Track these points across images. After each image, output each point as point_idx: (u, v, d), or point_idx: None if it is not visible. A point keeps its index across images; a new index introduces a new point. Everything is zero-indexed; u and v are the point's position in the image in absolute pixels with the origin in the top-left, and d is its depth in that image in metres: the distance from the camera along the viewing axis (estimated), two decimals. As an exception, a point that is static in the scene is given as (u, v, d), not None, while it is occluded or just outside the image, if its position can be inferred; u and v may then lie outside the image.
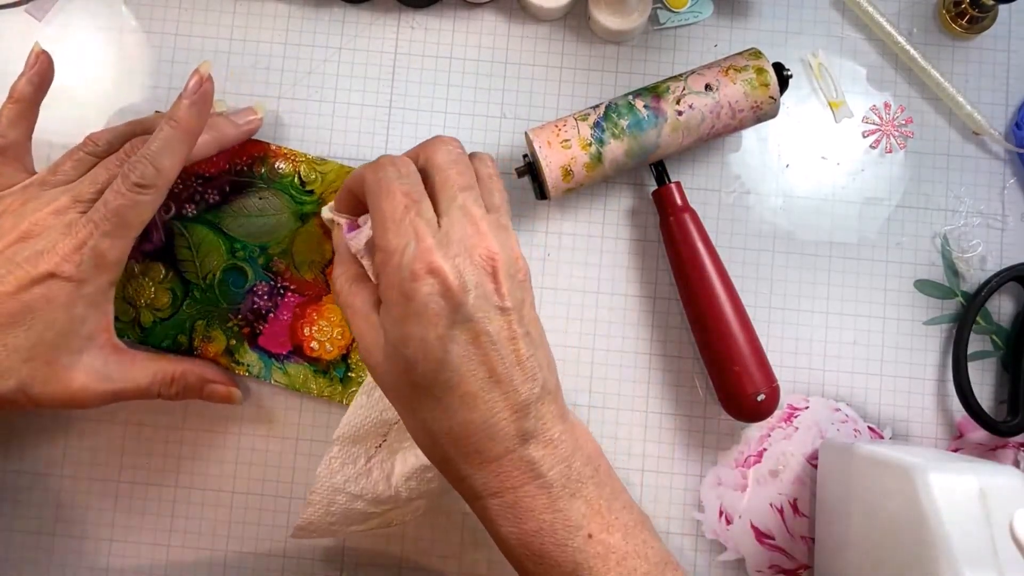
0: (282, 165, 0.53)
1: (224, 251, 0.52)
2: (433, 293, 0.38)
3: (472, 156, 0.44)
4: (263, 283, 0.52)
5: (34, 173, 0.48)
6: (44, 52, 0.48)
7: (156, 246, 0.52)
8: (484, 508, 0.40)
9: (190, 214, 0.52)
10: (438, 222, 0.40)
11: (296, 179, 0.53)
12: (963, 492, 0.41)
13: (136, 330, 0.52)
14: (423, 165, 0.42)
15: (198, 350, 0.52)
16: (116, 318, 0.51)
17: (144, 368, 0.48)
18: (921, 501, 0.41)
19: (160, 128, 0.45)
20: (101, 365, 0.46)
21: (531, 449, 0.39)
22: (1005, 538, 0.40)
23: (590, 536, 0.39)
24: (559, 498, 0.39)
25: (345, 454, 0.47)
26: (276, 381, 0.52)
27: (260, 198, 0.53)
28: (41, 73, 0.48)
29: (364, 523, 0.48)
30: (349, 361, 0.52)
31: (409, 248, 0.38)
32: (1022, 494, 0.41)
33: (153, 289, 0.52)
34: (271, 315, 0.52)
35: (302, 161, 0.53)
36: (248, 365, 0.51)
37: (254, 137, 0.53)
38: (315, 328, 0.52)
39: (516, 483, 0.39)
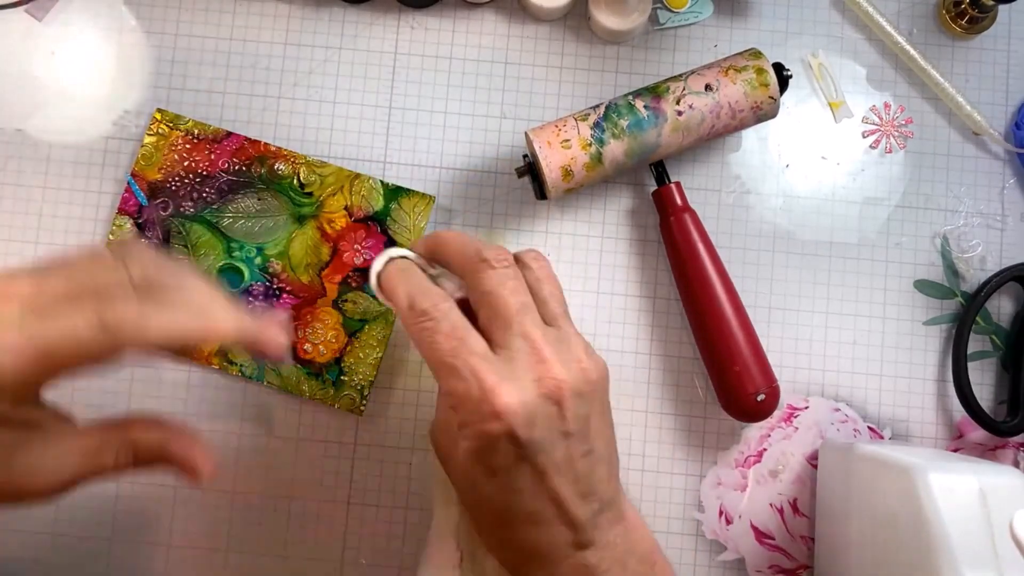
0: (281, 166, 0.53)
1: (221, 251, 0.52)
2: (500, 435, 0.37)
3: (518, 260, 0.41)
4: (259, 284, 0.52)
5: None
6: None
7: (153, 244, 0.52)
8: None
9: (188, 212, 0.52)
10: (495, 351, 0.38)
11: (295, 181, 0.53)
12: (963, 492, 0.41)
13: None
14: (471, 291, 0.40)
15: (191, 348, 0.52)
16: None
17: (58, 455, 0.37)
18: (921, 501, 0.41)
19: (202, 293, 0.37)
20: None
21: (588, 555, 0.39)
22: (1005, 538, 0.40)
23: None
24: None
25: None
26: (269, 383, 0.52)
27: (259, 199, 0.53)
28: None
29: None
30: (342, 364, 0.52)
31: (472, 393, 0.37)
32: (1022, 494, 0.41)
33: None
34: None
35: (301, 163, 0.53)
36: (241, 366, 0.51)
37: (253, 137, 0.53)
38: (309, 331, 0.52)
39: None
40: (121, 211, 0.52)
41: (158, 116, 0.53)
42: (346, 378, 0.52)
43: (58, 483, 0.38)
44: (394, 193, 0.53)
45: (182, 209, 0.52)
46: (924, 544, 0.41)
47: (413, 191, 0.53)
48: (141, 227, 0.52)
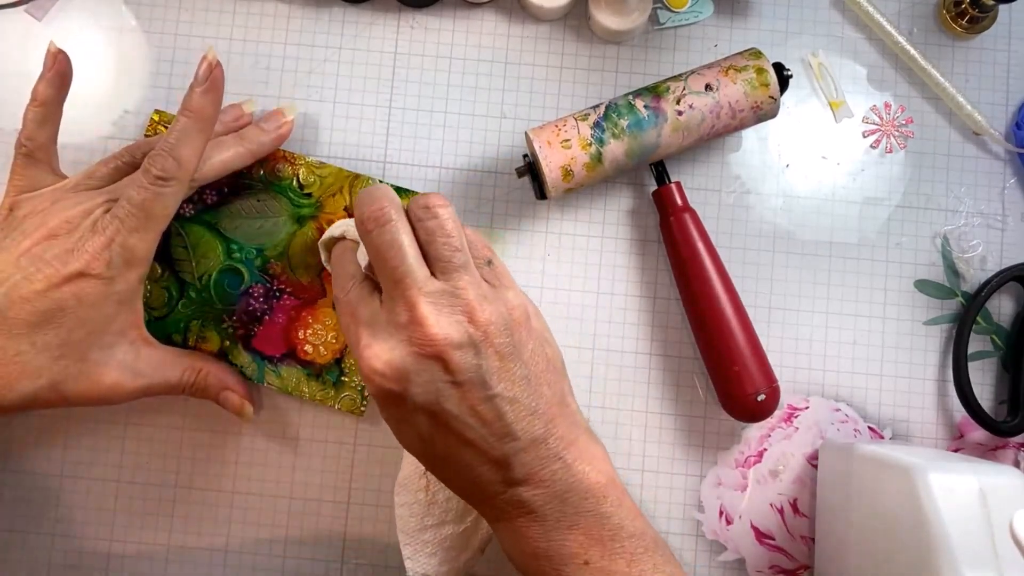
0: (281, 168, 0.53)
1: (221, 252, 0.52)
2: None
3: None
4: (259, 285, 0.52)
5: (60, 174, 0.49)
6: (61, 52, 0.48)
7: None
8: (492, 528, 0.43)
9: (188, 214, 0.52)
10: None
11: (295, 182, 0.53)
12: (963, 492, 0.41)
13: None
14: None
15: (192, 349, 0.51)
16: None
17: (173, 364, 0.48)
18: (921, 501, 0.41)
19: (176, 120, 0.45)
20: (132, 360, 0.47)
21: (521, 491, 0.41)
22: (1005, 538, 0.40)
23: (587, 563, 0.40)
24: (553, 529, 0.40)
25: (406, 498, 0.47)
26: (269, 383, 0.52)
27: (258, 200, 0.53)
28: (60, 73, 0.48)
29: (469, 543, 0.48)
30: (343, 365, 0.52)
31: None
32: (1022, 494, 0.41)
33: (149, 288, 0.52)
34: (266, 317, 0.52)
35: (301, 164, 0.53)
36: (241, 367, 0.51)
37: None
38: (309, 332, 0.52)
39: (511, 516, 0.41)
40: None
41: (155, 117, 0.53)
42: (346, 379, 0.51)
43: (139, 388, 0.47)
44: None
45: (182, 211, 0.52)
46: (924, 544, 0.41)
47: (412, 191, 0.53)
48: None
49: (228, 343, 0.52)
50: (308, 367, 0.52)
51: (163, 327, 0.51)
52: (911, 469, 0.42)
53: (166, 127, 0.53)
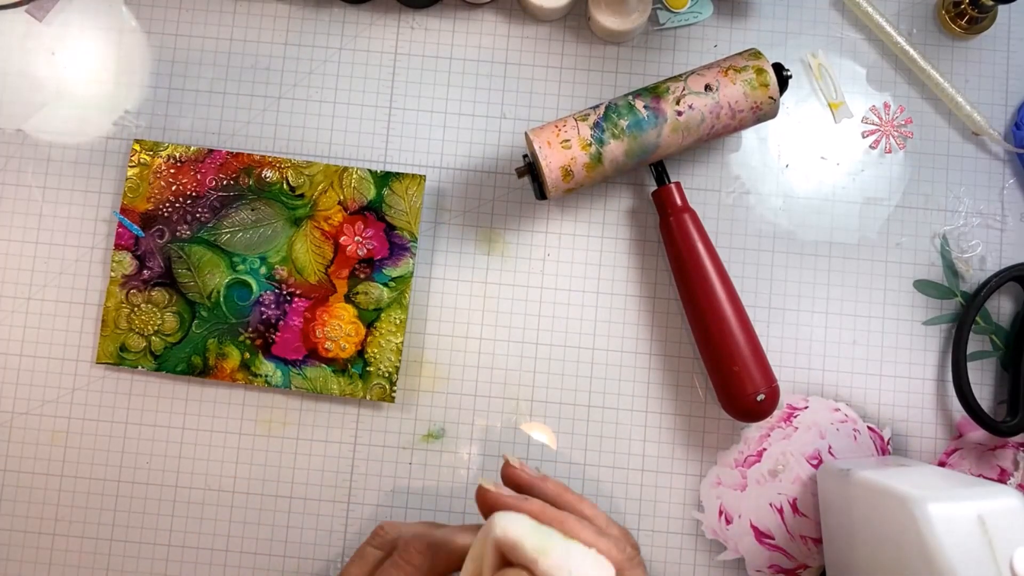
0: (268, 173, 0.53)
1: (224, 267, 0.52)
2: None
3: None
4: (268, 292, 0.52)
5: None
6: None
7: (156, 273, 0.52)
8: None
9: (185, 236, 0.52)
10: None
11: (284, 185, 0.53)
12: (963, 521, 0.41)
13: (149, 358, 0.52)
14: None
15: (214, 368, 0.52)
16: (127, 349, 0.52)
17: None
18: (922, 533, 0.41)
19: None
20: None
21: None
22: (1008, 561, 0.40)
23: None
24: None
25: None
26: (296, 387, 0.52)
27: (252, 209, 0.53)
28: None
29: None
30: (366, 356, 0.52)
31: None
32: (1019, 517, 0.41)
33: (159, 315, 0.52)
34: (281, 323, 0.52)
35: (288, 167, 0.53)
36: (266, 376, 0.51)
37: (236, 150, 0.53)
38: (327, 329, 0.52)
39: None
40: (118, 247, 0.52)
41: (136, 147, 0.53)
42: (372, 368, 0.52)
43: None
44: (384, 179, 0.53)
45: (178, 233, 0.52)
46: (929, 572, 0.41)
47: (403, 174, 0.53)
48: (141, 259, 0.52)
49: (248, 355, 0.52)
50: (332, 364, 0.52)
51: (181, 351, 0.51)
52: (909, 500, 0.42)
53: (149, 155, 0.53)
